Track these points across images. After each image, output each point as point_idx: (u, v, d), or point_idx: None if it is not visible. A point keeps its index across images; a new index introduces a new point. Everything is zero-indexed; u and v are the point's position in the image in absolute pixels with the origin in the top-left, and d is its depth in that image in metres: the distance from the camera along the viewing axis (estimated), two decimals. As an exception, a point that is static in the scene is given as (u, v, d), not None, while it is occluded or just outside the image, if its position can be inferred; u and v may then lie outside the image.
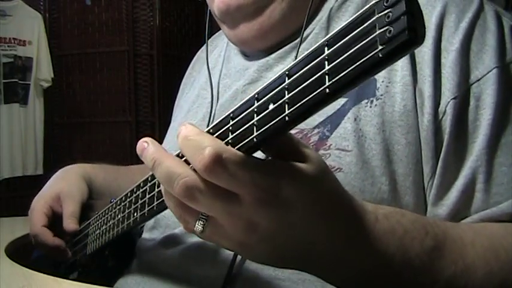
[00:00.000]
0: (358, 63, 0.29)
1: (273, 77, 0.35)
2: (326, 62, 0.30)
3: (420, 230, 0.45)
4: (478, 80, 0.53)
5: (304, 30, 0.63)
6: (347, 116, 0.56)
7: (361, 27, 0.29)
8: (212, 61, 0.79)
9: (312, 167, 0.38)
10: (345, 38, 0.30)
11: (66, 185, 0.83)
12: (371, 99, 0.56)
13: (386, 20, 0.27)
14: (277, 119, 0.34)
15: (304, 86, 0.32)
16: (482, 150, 0.52)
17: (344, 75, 0.29)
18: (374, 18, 0.28)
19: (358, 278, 0.43)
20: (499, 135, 0.52)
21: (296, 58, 0.62)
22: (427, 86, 0.54)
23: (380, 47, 0.27)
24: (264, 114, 0.35)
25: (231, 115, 0.38)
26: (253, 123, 0.36)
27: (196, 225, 0.39)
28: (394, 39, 0.27)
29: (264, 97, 0.35)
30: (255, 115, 0.36)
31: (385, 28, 0.27)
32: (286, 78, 0.34)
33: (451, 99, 0.53)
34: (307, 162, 0.38)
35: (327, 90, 0.30)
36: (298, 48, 0.62)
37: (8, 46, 3.01)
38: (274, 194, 0.36)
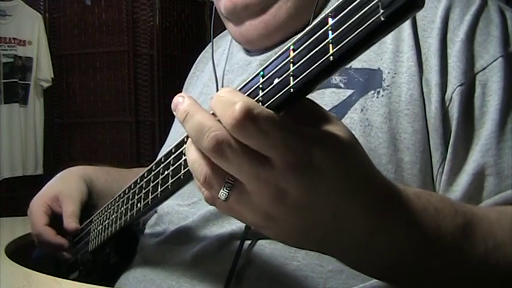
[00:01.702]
0: (361, 29, 0.29)
1: (278, 52, 0.36)
2: (330, 32, 0.31)
3: (450, 209, 0.44)
4: (484, 69, 0.54)
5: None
6: (354, 107, 0.57)
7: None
8: (216, 60, 0.80)
9: (346, 136, 0.36)
10: (348, 7, 0.30)
11: (64, 185, 0.83)
12: (377, 89, 0.57)
13: None
14: (283, 91, 0.34)
15: (309, 57, 0.33)
16: (492, 134, 0.52)
17: (347, 41, 0.30)
18: None
19: (390, 261, 0.41)
20: (507, 120, 0.53)
21: None
22: (433, 74, 0.55)
23: (382, 11, 0.28)
24: (270, 88, 0.35)
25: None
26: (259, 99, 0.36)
27: (221, 191, 0.36)
28: (395, 2, 0.27)
29: (269, 73, 0.36)
30: (260, 91, 0.36)
31: None
32: (291, 52, 0.35)
33: (458, 86, 0.54)
34: (340, 131, 0.36)
35: (331, 58, 0.31)
36: None
37: (8, 46, 3.01)
38: (307, 160, 0.34)
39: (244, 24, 0.67)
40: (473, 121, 0.54)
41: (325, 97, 0.59)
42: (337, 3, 0.32)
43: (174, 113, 0.38)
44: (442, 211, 0.43)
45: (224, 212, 0.41)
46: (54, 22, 3.21)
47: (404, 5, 0.27)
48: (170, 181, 0.49)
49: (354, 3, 0.30)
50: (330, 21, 0.31)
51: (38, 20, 3.11)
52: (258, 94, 0.36)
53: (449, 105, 0.54)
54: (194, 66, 0.92)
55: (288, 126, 0.34)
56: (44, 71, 3.10)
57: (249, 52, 0.73)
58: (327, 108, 0.57)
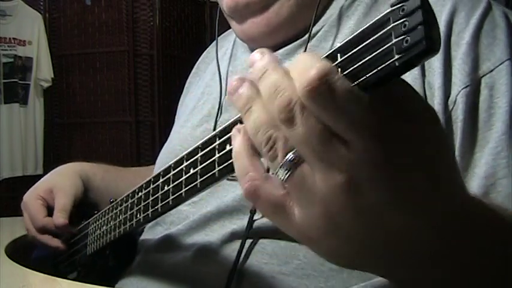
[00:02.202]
0: (373, 72, 0.28)
1: None
2: (339, 70, 0.30)
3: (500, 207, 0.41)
4: (491, 71, 0.54)
5: (313, 27, 0.64)
6: None
7: (376, 36, 0.29)
8: (219, 59, 0.80)
9: (437, 130, 0.31)
10: (358, 45, 0.29)
11: (59, 179, 0.83)
12: None
13: (403, 29, 0.27)
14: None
15: None
16: (502, 137, 0.52)
17: (358, 83, 0.29)
18: (389, 26, 0.28)
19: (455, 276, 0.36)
20: None
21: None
22: (436, 77, 0.55)
23: (397, 56, 0.27)
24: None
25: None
26: None
27: (282, 167, 0.31)
28: (412, 49, 0.27)
29: None
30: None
31: (401, 37, 0.27)
32: None
33: (463, 88, 0.54)
34: (432, 123, 0.31)
35: None
36: (306, 45, 0.63)
37: (8, 46, 3.01)
38: (392, 151, 0.28)
39: (246, 22, 0.67)
40: (480, 123, 0.53)
41: None
42: (346, 39, 0.30)
43: (251, 70, 0.33)
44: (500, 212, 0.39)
45: (265, 212, 0.34)
46: (54, 22, 3.21)
47: (420, 52, 0.27)
48: (171, 197, 0.49)
49: (366, 43, 0.29)
50: (339, 58, 0.30)
51: (38, 20, 3.11)
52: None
53: (453, 108, 0.54)
54: (196, 66, 0.92)
55: (376, 107, 0.28)
56: (44, 71, 3.11)
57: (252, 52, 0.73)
58: None
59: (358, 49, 0.29)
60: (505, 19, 0.58)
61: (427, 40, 0.26)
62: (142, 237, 0.76)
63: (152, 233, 0.72)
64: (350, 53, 0.30)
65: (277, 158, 0.31)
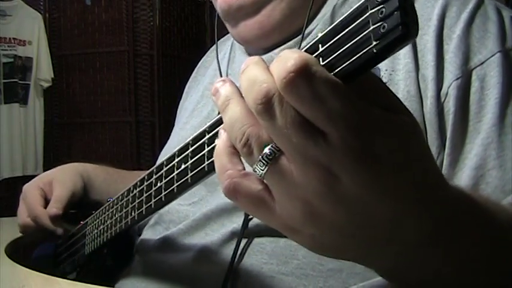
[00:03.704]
0: (352, 59, 0.29)
1: None
2: (320, 59, 0.30)
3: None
4: (482, 64, 0.55)
5: (306, 28, 0.64)
6: None
7: (354, 24, 0.29)
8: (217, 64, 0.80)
9: (411, 121, 0.31)
10: (338, 34, 0.30)
11: (60, 174, 0.84)
12: None
13: (380, 16, 0.28)
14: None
15: None
16: (492, 128, 0.52)
17: (338, 71, 0.29)
18: (367, 14, 0.28)
19: (443, 263, 0.37)
20: (507, 113, 0.53)
21: None
22: (429, 70, 0.55)
23: (374, 43, 0.28)
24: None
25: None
26: None
27: (259, 161, 0.31)
28: (388, 35, 0.27)
29: None
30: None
31: (378, 24, 0.27)
32: None
33: (454, 80, 0.54)
34: (405, 115, 0.31)
35: None
36: (300, 44, 0.63)
37: (8, 46, 3.01)
38: (368, 142, 0.29)
39: (239, 25, 0.67)
40: (471, 114, 0.54)
41: None
42: (327, 30, 0.31)
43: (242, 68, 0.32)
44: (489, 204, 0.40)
45: (245, 207, 0.34)
46: (54, 22, 3.21)
47: (397, 38, 0.27)
48: (163, 193, 0.49)
49: (345, 31, 0.29)
50: (320, 48, 0.31)
51: (38, 20, 3.11)
52: None
53: (445, 100, 0.54)
54: (195, 70, 0.93)
55: (351, 97, 0.28)
56: (44, 71, 3.11)
57: (250, 54, 0.73)
58: None
59: (338, 38, 0.30)
60: (497, 13, 0.58)
61: (403, 26, 0.27)
62: (142, 236, 0.76)
63: (152, 232, 0.72)
64: (330, 43, 0.30)
65: (253, 153, 0.31)
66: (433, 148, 0.54)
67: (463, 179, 0.53)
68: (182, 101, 0.92)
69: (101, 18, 3.17)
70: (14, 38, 3.03)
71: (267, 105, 0.29)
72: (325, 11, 0.66)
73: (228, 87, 0.33)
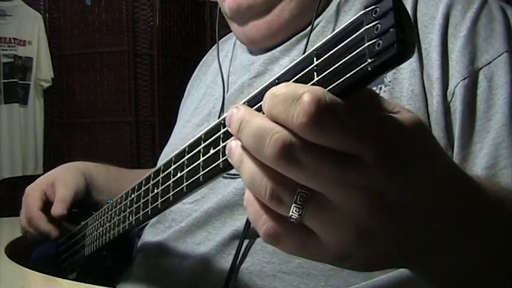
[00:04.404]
0: (346, 76, 0.28)
1: (269, 80, 0.34)
2: (315, 73, 0.29)
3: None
4: (489, 63, 0.55)
5: (312, 29, 0.64)
6: None
7: (350, 38, 0.28)
8: (220, 62, 0.80)
9: (413, 115, 0.31)
10: (334, 48, 0.29)
11: (62, 174, 0.84)
12: (379, 86, 0.57)
13: (375, 32, 0.26)
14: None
15: None
16: (503, 127, 0.52)
17: (332, 88, 0.28)
18: (362, 29, 0.27)
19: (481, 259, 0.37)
20: None
21: (304, 50, 0.63)
22: (434, 69, 0.55)
23: (369, 60, 0.26)
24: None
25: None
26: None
27: (293, 206, 0.29)
28: (383, 53, 0.26)
29: (254, 105, 0.34)
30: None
31: (373, 41, 0.26)
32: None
33: (461, 80, 0.54)
34: (413, 116, 0.31)
35: None
36: (306, 45, 0.63)
37: (8, 46, 3.01)
38: (397, 149, 0.28)
39: (248, 24, 0.67)
40: (479, 114, 0.54)
41: None
42: (323, 41, 0.30)
43: (228, 128, 0.31)
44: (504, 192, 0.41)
45: (290, 250, 0.32)
46: (54, 22, 3.21)
47: (392, 56, 0.25)
48: (160, 200, 0.49)
49: (340, 46, 0.28)
50: (315, 61, 0.30)
51: (38, 20, 3.11)
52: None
53: (451, 99, 0.54)
54: (197, 69, 0.93)
55: (369, 112, 0.28)
56: (44, 71, 3.10)
57: (252, 52, 0.73)
58: None
59: (333, 52, 0.29)
60: (502, 12, 0.58)
61: (399, 44, 0.25)
62: (143, 236, 0.76)
63: (153, 231, 0.72)
64: (325, 57, 0.29)
65: (283, 202, 0.29)
66: None
67: None
68: (184, 99, 0.92)
69: (101, 18, 3.17)
70: (14, 38, 3.03)
71: (288, 156, 0.27)
72: (330, 8, 0.66)
73: (237, 151, 0.31)
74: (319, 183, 0.28)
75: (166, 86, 3.15)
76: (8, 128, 3.00)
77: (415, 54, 0.56)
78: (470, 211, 0.34)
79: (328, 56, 0.29)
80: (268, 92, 0.29)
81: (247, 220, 0.57)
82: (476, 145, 0.53)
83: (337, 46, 0.28)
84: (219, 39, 0.82)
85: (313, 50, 0.30)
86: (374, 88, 0.57)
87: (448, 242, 0.33)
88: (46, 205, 0.81)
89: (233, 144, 0.32)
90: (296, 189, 0.29)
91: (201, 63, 0.93)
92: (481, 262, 0.37)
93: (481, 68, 0.55)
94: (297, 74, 0.31)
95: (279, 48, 0.67)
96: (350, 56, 0.27)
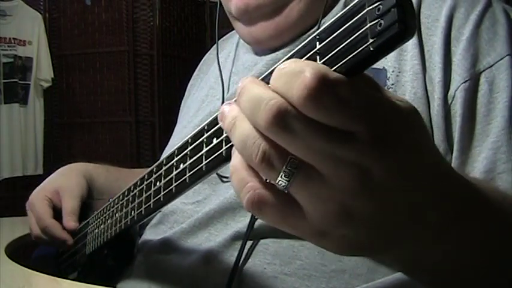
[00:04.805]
0: (349, 57, 0.28)
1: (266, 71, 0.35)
2: (318, 57, 0.30)
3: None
4: (491, 66, 0.54)
5: (318, 29, 0.64)
6: None
7: (352, 21, 0.28)
8: (221, 62, 0.80)
9: (409, 103, 0.31)
10: (336, 31, 0.29)
11: (65, 180, 0.83)
12: None
13: (377, 13, 0.27)
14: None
15: None
16: (502, 131, 0.52)
17: (335, 69, 0.29)
18: (364, 11, 0.28)
19: (453, 264, 0.38)
20: None
21: None
22: (437, 72, 0.55)
23: (371, 40, 0.27)
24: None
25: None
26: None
27: (281, 174, 0.29)
28: (385, 32, 0.26)
29: None
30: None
31: (375, 21, 0.27)
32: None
33: (462, 83, 0.54)
34: (408, 103, 0.31)
35: None
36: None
37: (8, 46, 3.01)
38: (392, 132, 0.29)
39: (256, 25, 0.67)
40: (480, 117, 0.54)
41: None
42: (324, 26, 0.30)
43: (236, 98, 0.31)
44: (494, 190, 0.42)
45: (271, 220, 0.32)
46: (54, 22, 3.21)
47: (394, 36, 0.26)
48: (162, 193, 0.49)
49: (342, 28, 0.29)
50: (318, 45, 0.30)
51: (38, 20, 3.11)
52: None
53: (452, 102, 0.54)
54: (198, 68, 0.92)
55: (369, 92, 0.28)
56: (44, 71, 3.10)
57: (256, 53, 0.73)
58: None
59: (336, 36, 0.29)
60: (505, 15, 0.58)
61: (400, 23, 0.26)
62: (144, 236, 0.76)
63: (155, 232, 0.72)
64: (328, 40, 0.30)
65: (273, 166, 0.29)
66: (440, 150, 0.54)
67: None
68: (185, 98, 0.92)
69: (101, 18, 3.17)
70: (14, 38, 3.03)
71: (281, 123, 0.28)
72: (337, 7, 0.66)
73: (233, 108, 0.31)
74: (310, 155, 0.28)
75: (166, 86, 3.15)
76: (8, 128, 3.00)
77: (418, 57, 0.56)
78: (454, 207, 0.34)
79: (330, 40, 0.29)
80: (277, 67, 0.29)
81: (250, 221, 0.57)
82: (475, 149, 0.53)
83: (339, 29, 0.29)
84: (218, 39, 0.82)
85: (316, 35, 0.31)
86: None
87: (427, 234, 0.34)
88: (54, 213, 0.80)
89: (226, 108, 0.32)
90: (287, 157, 0.29)
91: (202, 62, 0.93)
92: (464, 258, 0.37)
93: (482, 71, 0.54)
94: (300, 58, 0.32)
95: (282, 50, 0.67)
96: (352, 37, 0.28)
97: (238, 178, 0.32)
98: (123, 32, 3.14)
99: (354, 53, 0.28)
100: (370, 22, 0.27)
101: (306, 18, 0.65)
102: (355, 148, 0.28)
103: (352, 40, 0.28)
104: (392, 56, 0.58)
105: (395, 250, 0.34)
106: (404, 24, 0.26)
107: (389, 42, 0.26)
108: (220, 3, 0.73)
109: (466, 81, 0.54)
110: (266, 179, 0.31)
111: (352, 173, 0.28)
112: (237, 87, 0.31)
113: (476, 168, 0.53)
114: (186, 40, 3.37)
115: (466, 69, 0.54)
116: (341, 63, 0.28)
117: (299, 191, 0.30)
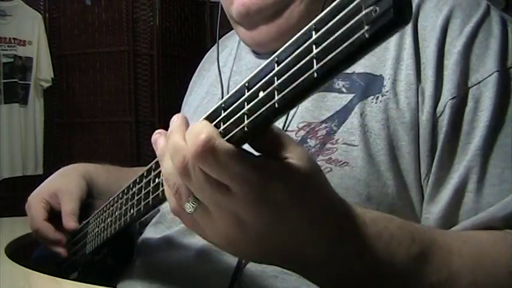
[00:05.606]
0: (345, 45, 0.28)
1: (263, 64, 0.35)
2: (314, 46, 0.30)
3: (407, 236, 0.44)
4: (479, 83, 0.54)
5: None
6: (354, 110, 0.57)
7: (348, 9, 0.28)
8: (222, 60, 0.80)
9: (304, 166, 0.37)
10: (332, 20, 0.29)
11: (64, 182, 0.82)
12: (377, 95, 0.57)
13: (372, 0, 0.27)
14: (267, 106, 0.33)
15: (293, 72, 0.32)
16: (477, 151, 0.52)
17: (331, 58, 0.29)
18: None
19: (343, 280, 0.43)
20: (495, 137, 0.52)
21: None
22: (428, 85, 0.55)
23: (366, 27, 0.27)
24: (255, 103, 0.34)
25: (223, 105, 0.38)
26: (244, 112, 0.35)
27: (188, 204, 0.39)
28: (380, 19, 0.26)
29: (254, 85, 0.35)
30: (246, 104, 0.35)
31: (370, 8, 0.27)
32: (276, 65, 0.34)
33: (450, 99, 0.54)
34: (299, 161, 0.37)
35: (315, 74, 0.30)
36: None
37: (8, 46, 3.01)
38: (266, 194, 0.36)
39: (257, 29, 0.66)
40: (461, 135, 0.53)
41: (327, 102, 0.59)
42: (320, 16, 0.30)
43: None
44: (398, 238, 0.43)
45: (187, 225, 0.43)
46: (54, 22, 3.21)
47: (389, 22, 0.26)
48: (160, 189, 0.49)
49: (338, 17, 0.29)
50: (314, 35, 0.30)
51: (38, 20, 3.11)
52: (244, 107, 0.35)
53: (439, 117, 0.54)
54: (200, 65, 0.92)
55: (246, 160, 0.35)
56: (44, 71, 3.10)
57: (257, 54, 0.73)
58: (328, 114, 0.58)
59: (332, 24, 0.29)
60: (502, 27, 0.57)
61: (395, 9, 0.26)
62: (144, 235, 0.76)
63: (154, 231, 0.72)
64: (323, 29, 0.30)
65: (182, 199, 0.40)
66: (424, 165, 0.54)
67: (443, 199, 0.53)
68: (186, 95, 0.92)
69: (101, 18, 3.17)
70: (14, 38, 3.03)
71: (184, 170, 0.37)
72: None
73: (163, 143, 0.42)
74: (201, 197, 0.38)
75: (166, 86, 3.15)
76: (8, 128, 3.00)
77: (413, 67, 0.56)
78: (330, 249, 0.41)
79: (326, 29, 0.30)
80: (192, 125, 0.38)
81: None
82: (454, 166, 0.53)
83: (335, 17, 0.29)
84: (219, 39, 0.82)
85: (312, 25, 0.31)
86: (371, 97, 0.57)
87: (311, 262, 0.42)
88: (51, 215, 0.80)
89: (159, 141, 0.42)
90: (192, 193, 0.39)
91: (204, 59, 0.93)
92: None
93: (470, 88, 0.54)
94: (297, 49, 0.32)
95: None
96: (348, 25, 0.28)
97: (168, 192, 0.42)
98: (123, 32, 3.14)
99: (350, 41, 0.28)
100: (366, 9, 0.27)
101: (306, 19, 0.64)
102: (231, 200, 0.36)
103: (347, 28, 0.28)
104: (390, 63, 0.58)
105: (292, 269, 0.44)
106: (400, 11, 0.26)
107: (385, 29, 0.26)
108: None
109: (454, 97, 0.54)
110: None
111: (230, 218, 0.38)
112: (171, 121, 0.40)
113: (450, 184, 0.53)
114: (186, 40, 3.37)
115: (455, 84, 0.54)
116: (336, 51, 0.29)
117: (198, 218, 0.40)
